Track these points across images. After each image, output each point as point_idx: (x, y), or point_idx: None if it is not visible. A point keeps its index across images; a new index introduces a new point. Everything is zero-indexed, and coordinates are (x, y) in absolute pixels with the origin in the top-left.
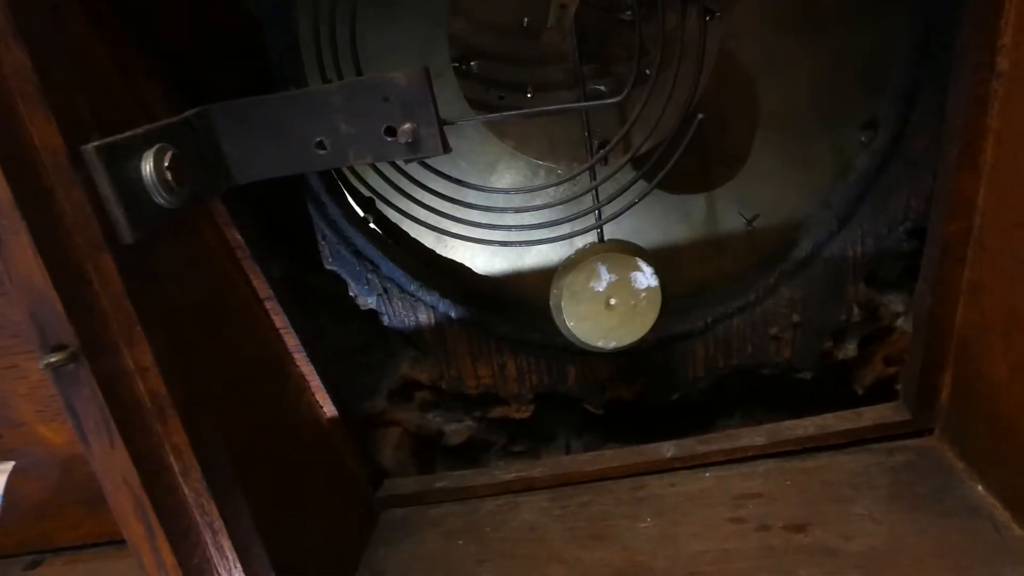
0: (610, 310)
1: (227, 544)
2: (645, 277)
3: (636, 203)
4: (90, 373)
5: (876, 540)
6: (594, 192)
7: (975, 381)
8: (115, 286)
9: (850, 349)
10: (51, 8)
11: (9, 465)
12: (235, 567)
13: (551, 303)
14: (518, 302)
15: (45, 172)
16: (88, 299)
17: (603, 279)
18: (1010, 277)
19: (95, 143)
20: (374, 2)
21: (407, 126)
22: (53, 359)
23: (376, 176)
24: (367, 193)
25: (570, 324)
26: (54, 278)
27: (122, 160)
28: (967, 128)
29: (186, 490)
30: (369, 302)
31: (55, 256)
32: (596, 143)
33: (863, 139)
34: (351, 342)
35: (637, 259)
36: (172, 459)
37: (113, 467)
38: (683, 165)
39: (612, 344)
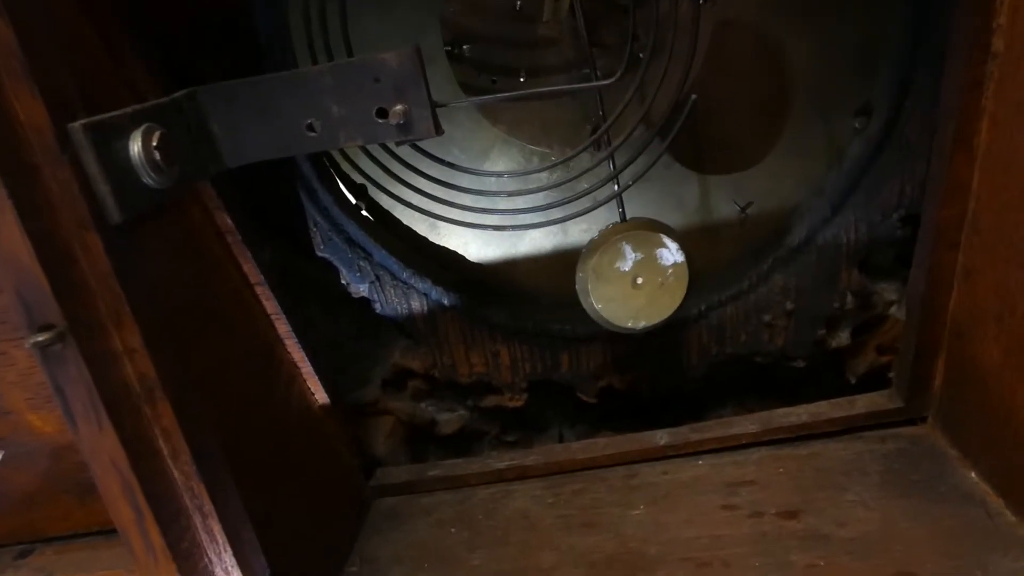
0: (637, 289)
1: (217, 528)
2: (671, 253)
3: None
4: (78, 353)
5: (868, 526)
6: (610, 159)
7: (968, 367)
8: (102, 266)
9: (843, 337)
10: None
11: None
12: (225, 551)
13: (577, 287)
14: (511, 290)
15: (31, 149)
16: (75, 278)
17: (628, 258)
18: (1003, 261)
19: (82, 121)
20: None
21: (399, 107)
22: (40, 338)
23: (369, 161)
24: (359, 180)
25: (598, 307)
26: (40, 256)
27: (110, 139)
28: (962, 110)
29: (175, 473)
30: (361, 290)
31: (41, 234)
32: (590, 127)
33: (856, 125)
34: (343, 330)
35: (662, 235)
36: (161, 442)
37: (101, 449)
38: (679, 149)
39: (642, 324)
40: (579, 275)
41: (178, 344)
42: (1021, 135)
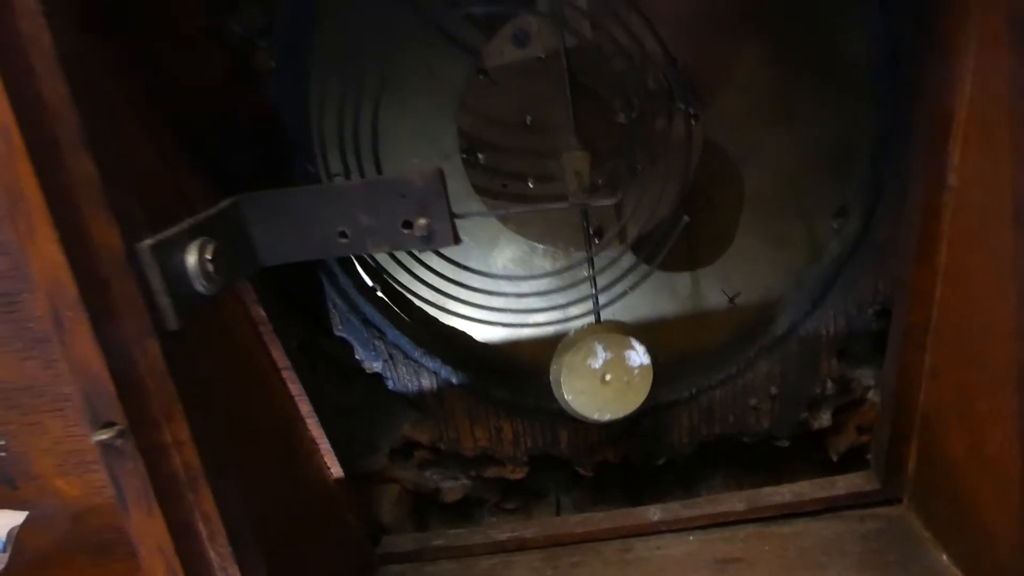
0: (605, 385)
1: None
2: (638, 355)
3: (628, 292)
4: (135, 448)
5: None
6: (591, 281)
7: (937, 457)
8: (159, 367)
9: (825, 419)
10: (111, 116)
11: (23, 515)
12: None
13: (551, 377)
14: (514, 368)
15: (102, 267)
16: (135, 379)
17: (599, 357)
18: (964, 363)
19: (149, 241)
20: (391, 98)
21: (422, 221)
22: (104, 436)
23: (382, 257)
24: (374, 264)
25: (568, 398)
26: (108, 363)
27: (170, 254)
28: (923, 233)
29: (212, 555)
30: (375, 367)
31: (110, 343)
32: (592, 230)
33: (835, 226)
34: (355, 399)
35: (631, 339)
36: (201, 526)
37: (150, 534)
38: (672, 248)
39: (607, 416)
40: (553, 367)
41: (217, 432)
42: (973, 257)
